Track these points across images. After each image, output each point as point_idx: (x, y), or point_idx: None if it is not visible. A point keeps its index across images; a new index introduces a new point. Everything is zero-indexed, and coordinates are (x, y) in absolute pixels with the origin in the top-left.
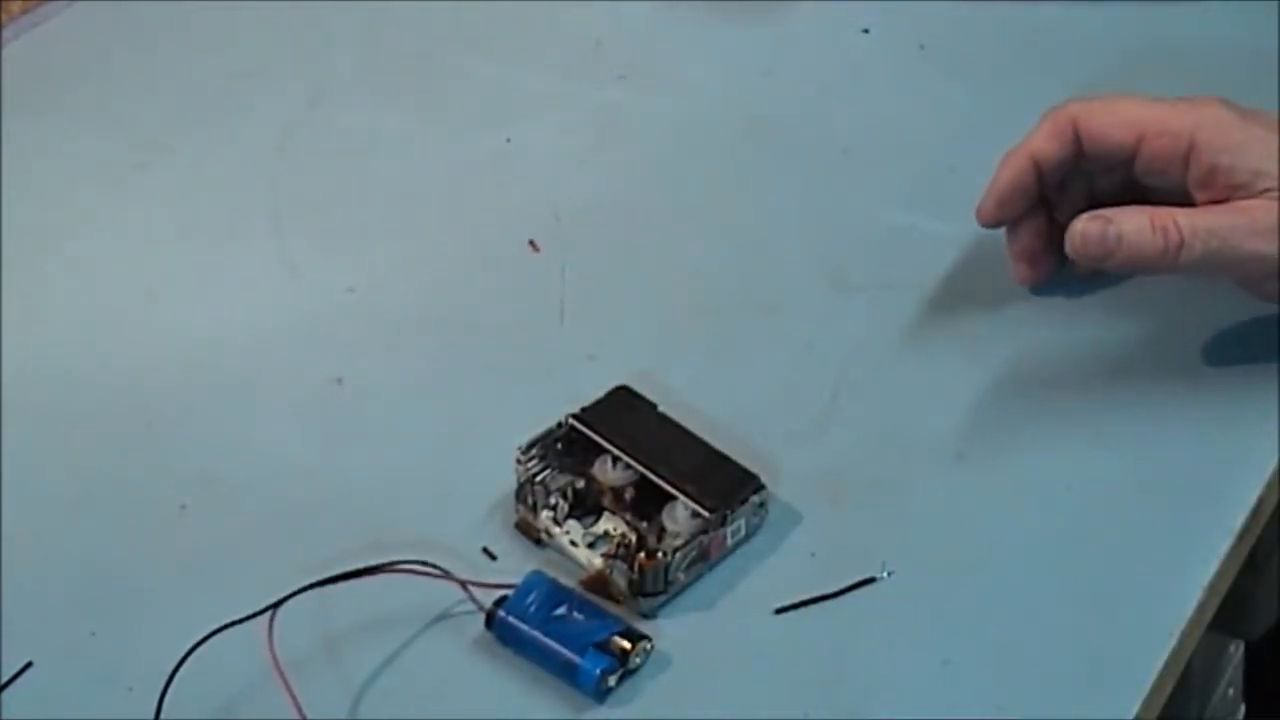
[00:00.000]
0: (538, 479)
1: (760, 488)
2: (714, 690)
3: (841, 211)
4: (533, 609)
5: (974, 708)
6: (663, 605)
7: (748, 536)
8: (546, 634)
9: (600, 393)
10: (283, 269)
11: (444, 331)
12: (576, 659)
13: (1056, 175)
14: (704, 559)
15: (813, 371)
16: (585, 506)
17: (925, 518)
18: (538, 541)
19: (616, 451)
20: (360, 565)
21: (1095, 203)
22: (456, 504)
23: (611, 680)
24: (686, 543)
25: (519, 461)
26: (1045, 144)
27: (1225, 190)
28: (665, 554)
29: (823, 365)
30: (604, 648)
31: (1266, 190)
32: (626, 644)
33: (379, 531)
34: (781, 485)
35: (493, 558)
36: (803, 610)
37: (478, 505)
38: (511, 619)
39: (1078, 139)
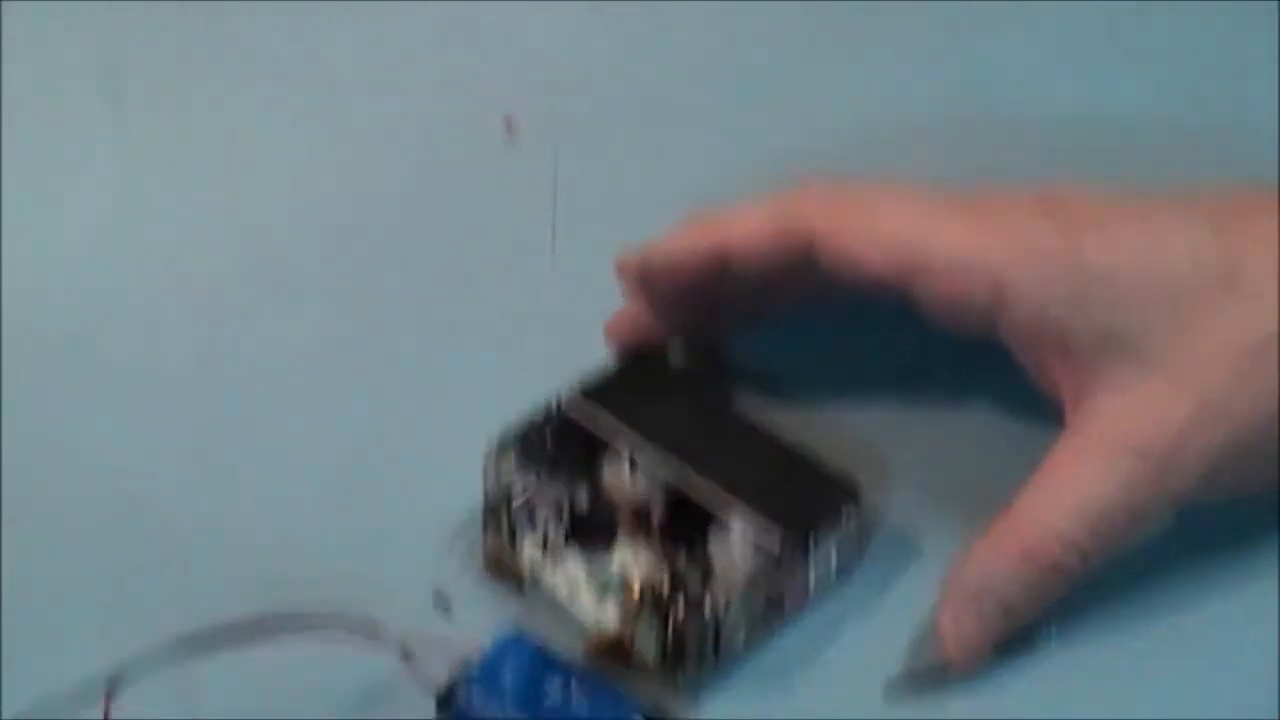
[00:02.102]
0: (518, 492)
1: (858, 501)
2: None
3: (975, 73)
4: (510, 686)
5: None
6: (712, 682)
7: (840, 577)
8: None
9: (610, 359)
10: (122, 174)
11: (370, 268)
12: None
13: (759, 280)
14: (774, 612)
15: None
16: (590, 533)
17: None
18: (518, 585)
19: (637, 449)
20: (251, 617)
21: (827, 293)
22: (394, 529)
23: None
24: (747, 587)
25: (489, 466)
26: (755, 246)
27: (1059, 361)
28: (714, 604)
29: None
30: None
31: (1125, 362)
32: None
33: (277, 568)
34: (892, 498)
35: (448, 609)
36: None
37: (427, 531)
38: (478, 701)
39: (812, 253)
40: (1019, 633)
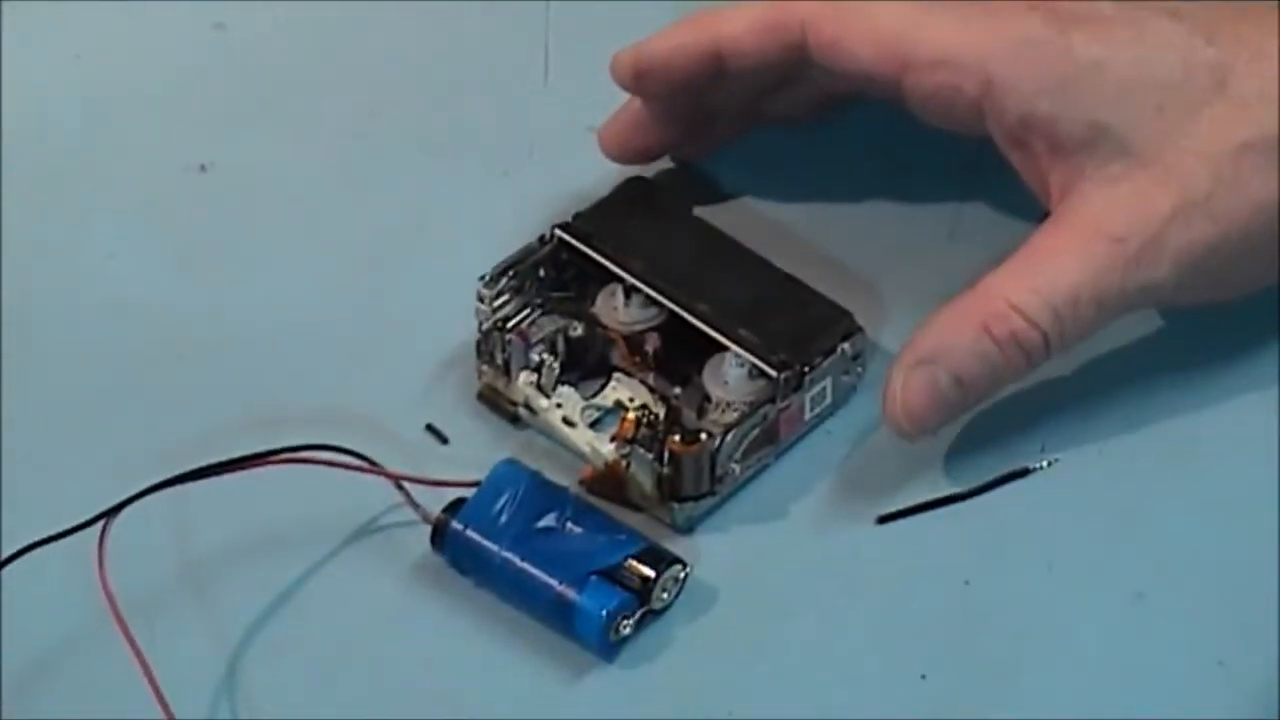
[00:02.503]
0: (511, 324)
1: (854, 331)
2: (783, 639)
3: None
4: (504, 519)
5: (1180, 660)
6: (707, 514)
7: (836, 407)
8: (525, 557)
9: (606, 187)
10: None
11: (363, 93)
12: (572, 594)
13: (753, 80)
14: (770, 442)
15: (936, 147)
16: (585, 365)
17: (1110, 374)
18: (513, 419)
19: (631, 279)
20: (239, 452)
21: (822, 101)
22: (387, 360)
23: (625, 626)
24: (743, 417)
25: (482, 299)
26: (748, 40)
27: (1047, 155)
28: (710, 435)
29: (953, 136)
30: (614, 577)
31: (1113, 156)
32: (649, 571)
33: (268, 401)
34: (887, 326)
35: (443, 440)
36: (919, 519)
37: (420, 363)
38: (471, 534)
39: (804, 48)
40: (1011, 460)
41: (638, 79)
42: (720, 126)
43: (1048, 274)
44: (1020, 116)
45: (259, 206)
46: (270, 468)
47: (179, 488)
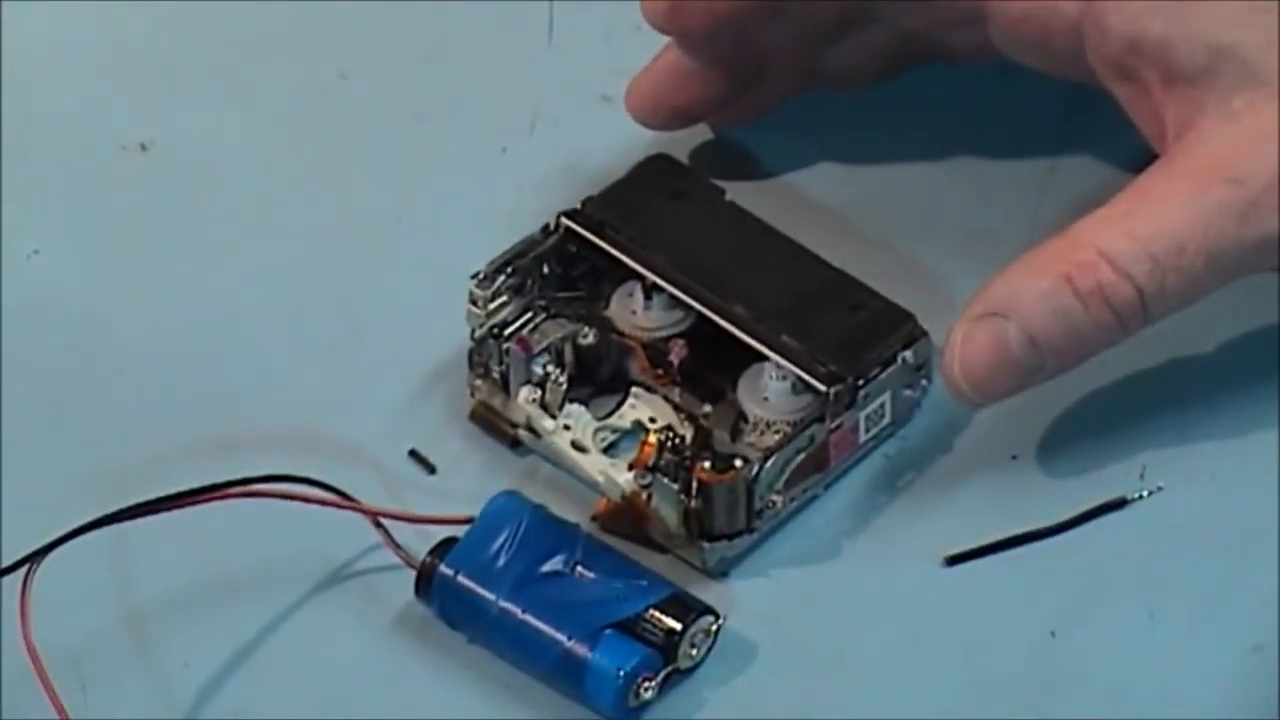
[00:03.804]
0: (509, 330)
1: (917, 336)
2: (834, 703)
3: None
4: (502, 562)
5: None
6: (744, 554)
7: (896, 426)
8: (527, 607)
9: (623, 167)
10: None
11: (334, 55)
12: (583, 651)
13: (812, 16)
14: (819, 469)
15: (1015, 116)
16: (598, 379)
17: (1223, 384)
18: (513, 443)
19: (653, 276)
20: (189, 483)
21: (891, 53)
22: (362, 374)
23: (647, 689)
24: (785, 440)
25: (475, 300)
26: None
27: (1160, 87)
28: (746, 461)
29: (1036, 100)
30: (634, 631)
31: (1236, 85)
32: (675, 623)
33: (222, 422)
34: None
35: (429, 469)
36: (996, 559)
37: (402, 376)
38: (463, 580)
39: None
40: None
41: (675, 10)
42: (769, 83)
43: (1149, 217)
44: (1127, 40)
45: (210, 191)
46: (225, 502)
47: (118, 526)
